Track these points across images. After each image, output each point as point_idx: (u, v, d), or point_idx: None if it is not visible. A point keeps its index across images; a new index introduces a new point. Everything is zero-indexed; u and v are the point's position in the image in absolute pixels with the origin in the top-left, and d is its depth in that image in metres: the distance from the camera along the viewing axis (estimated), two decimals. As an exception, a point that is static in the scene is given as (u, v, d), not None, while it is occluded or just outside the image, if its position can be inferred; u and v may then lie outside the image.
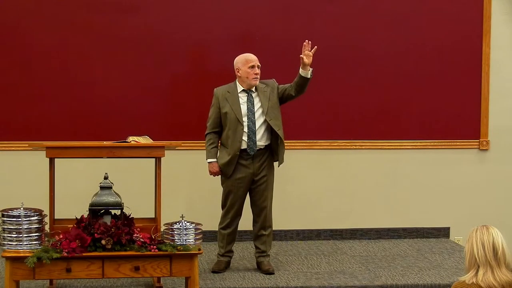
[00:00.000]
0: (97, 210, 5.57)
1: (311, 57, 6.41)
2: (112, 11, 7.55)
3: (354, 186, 7.97)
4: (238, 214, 6.66)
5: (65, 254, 5.30)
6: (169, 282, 6.22)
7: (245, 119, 6.49)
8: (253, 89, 6.56)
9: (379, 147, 7.97)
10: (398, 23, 7.92)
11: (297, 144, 7.82)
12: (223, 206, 6.68)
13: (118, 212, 5.60)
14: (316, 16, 7.81)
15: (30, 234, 5.36)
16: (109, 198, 5.58)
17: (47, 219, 5.57)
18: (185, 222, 5.54)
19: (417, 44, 7.96)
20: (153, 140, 6.20)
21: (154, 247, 5.45)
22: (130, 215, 5.63)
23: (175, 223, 5.58)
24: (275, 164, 6.67)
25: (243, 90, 6.56)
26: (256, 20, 7.74)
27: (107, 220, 5.53)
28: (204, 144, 6.67)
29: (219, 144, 6.64)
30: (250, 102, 6.52)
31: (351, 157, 7.94)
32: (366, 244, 7.79)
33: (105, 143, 6.06)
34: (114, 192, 5.63)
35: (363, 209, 7.98)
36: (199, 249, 5.54)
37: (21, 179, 7.45)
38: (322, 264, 6.98)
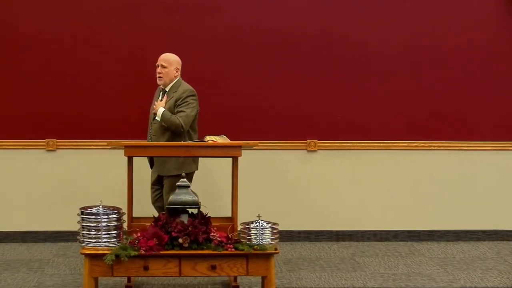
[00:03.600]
0: (174, 209, 5.60)
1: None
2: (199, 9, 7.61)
3: (432, 187, 7.87)
4: None
5: (143, 252, 5.34)
6: (246, 281, 6.24)
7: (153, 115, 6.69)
8: (167, 88, 6.68)
9: (458, 148, 7.86)
10: (473, 25, 7.79)
11: (375, 144, 7.76)
12: None
13: (195, 211, 5.62)
14: (388, 17, 7.73)
15: (109, 232, 5.41)
16: (186, 197, 5.60)
17: (125, 217, 5.62)
18: (262, 221, 5.53)
19: (495, 45, 7.82)
20: (230, 140, 6.21)
21: (231, 246, 5.45)
22: (207, 214, 5.64)
23: (252, 222, 5.58)
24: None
25: (163, 88, 6.73)
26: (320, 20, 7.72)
27: (184, 219, 5.54)
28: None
29: None
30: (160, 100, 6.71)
31: (429, 158, 7.85)
32: (444, 246, 7.68)
33: (183, 142, 6.08)
34: (192, 191, 5.65)
35: (441, 210, 7.88)
36: (276, 249, 5.52)
37: (100, 178, 7.55)
38: (399, 266, 6.91)
